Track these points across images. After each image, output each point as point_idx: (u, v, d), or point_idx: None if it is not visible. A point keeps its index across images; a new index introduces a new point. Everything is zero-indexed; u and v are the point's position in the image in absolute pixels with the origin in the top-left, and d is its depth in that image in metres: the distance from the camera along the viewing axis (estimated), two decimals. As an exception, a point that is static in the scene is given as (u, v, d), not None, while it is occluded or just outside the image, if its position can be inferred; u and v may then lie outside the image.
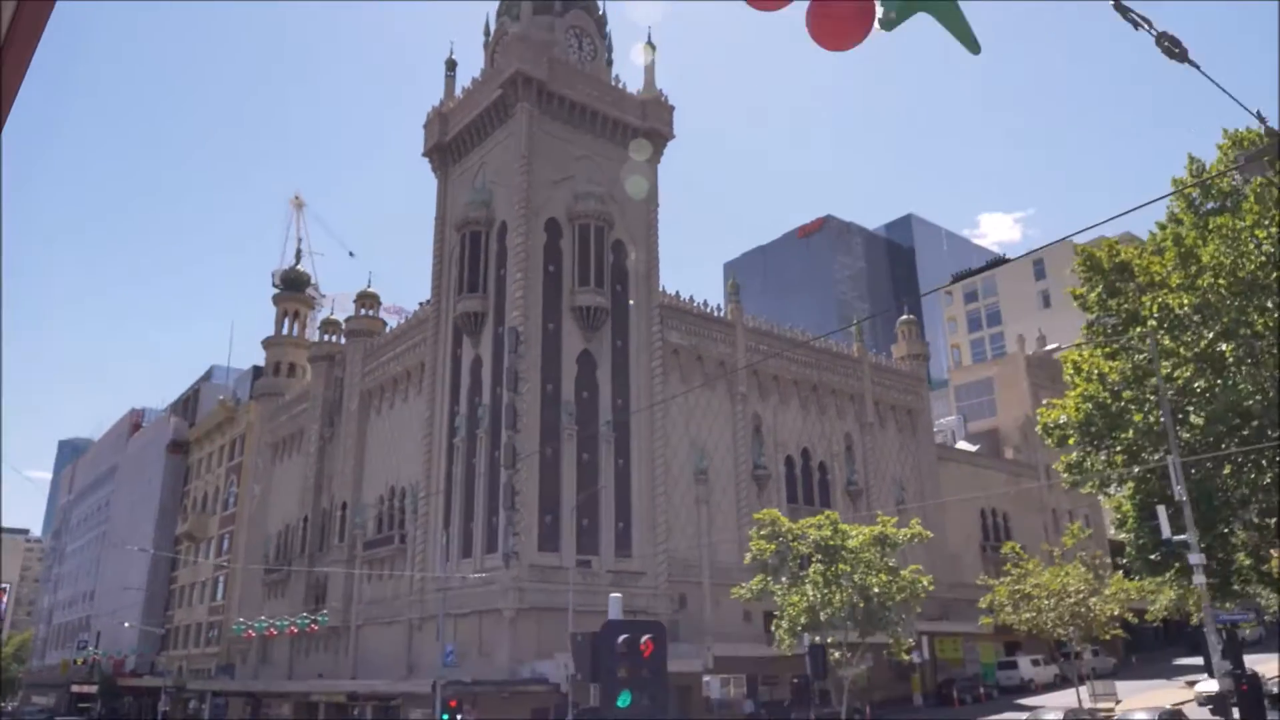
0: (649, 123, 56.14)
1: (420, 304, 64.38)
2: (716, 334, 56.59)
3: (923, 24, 3.76)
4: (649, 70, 58.39)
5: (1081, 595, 40.93)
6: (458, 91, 58.96)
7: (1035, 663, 57.85)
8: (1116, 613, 41.61)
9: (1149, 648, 75.08)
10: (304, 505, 63.83)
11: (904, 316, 71.48)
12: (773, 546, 36.07)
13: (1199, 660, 59.08)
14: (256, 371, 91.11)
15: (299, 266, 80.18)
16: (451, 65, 60.02)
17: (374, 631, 53.41)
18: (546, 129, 52.01)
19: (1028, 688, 55.92)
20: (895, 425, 66.29)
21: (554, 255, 50.54)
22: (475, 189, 53.57)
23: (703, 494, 52.51)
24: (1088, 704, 40.97)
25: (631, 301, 52.41)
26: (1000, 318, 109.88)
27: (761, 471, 55.51)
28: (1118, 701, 42.02)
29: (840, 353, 63.71)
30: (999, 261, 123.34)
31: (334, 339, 67.63)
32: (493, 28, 59.00)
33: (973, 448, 75.74)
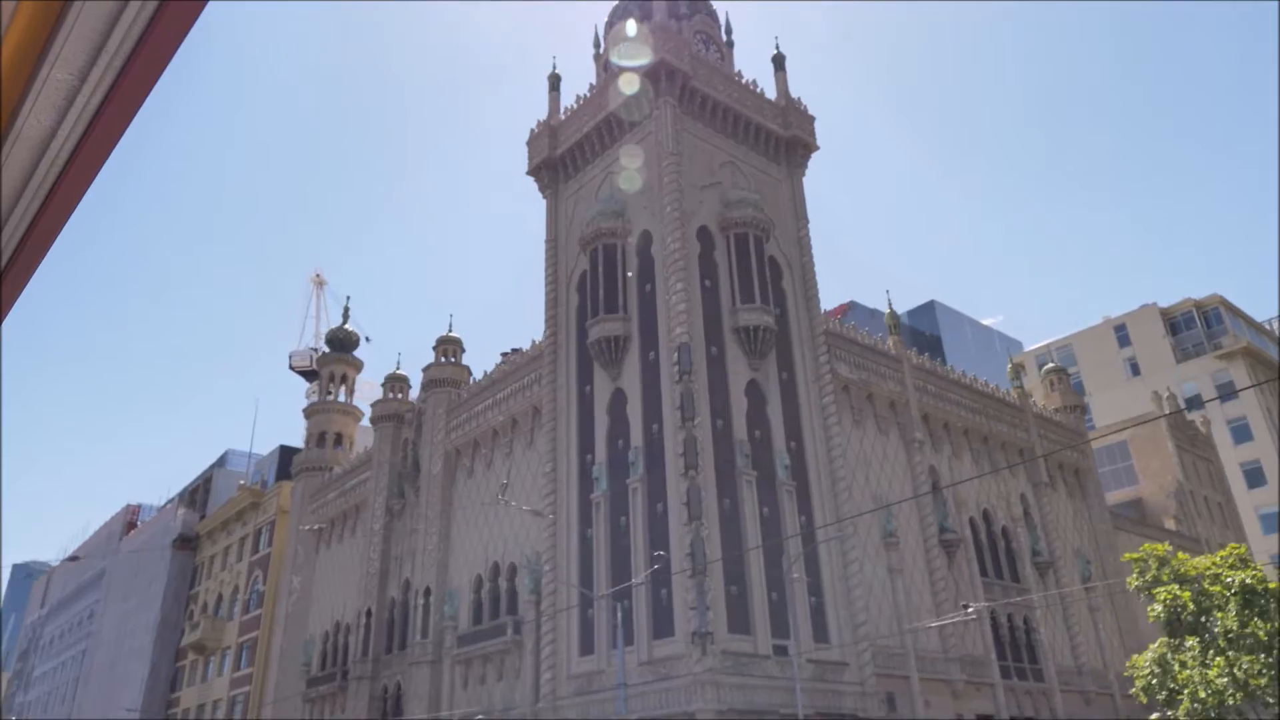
0: (791, 130, 48.47)
1: (503, 355, 55.16)
2: (885, 369, 47.46)
3: None
4: (780, 78, 51.11)
5: None
6: (563, 107, 51.25)
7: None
8: None
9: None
10: (365, 596, 52.33)
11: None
12: (1186, 595, 26.09)
13: None
14: (284, 451, 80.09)
15: (347, 326, 70.42)
16: (555, 81, 52.47)
17: (478, 752, 41.55)
18: (688, 129, 44.02)
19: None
20: (1064, 487, 56.67)
21: (709, 269, 41.69)
22: (602, 199, 45.00)
23: (894, 562, 42.25)
24: None
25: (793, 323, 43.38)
26: (1083, 388, 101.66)
27: (950, 535, 45.41)
28: None
29: (1005, 399, 54.57)
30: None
31: (399, 396, 57.57)
32: (602, 39, 52.07)
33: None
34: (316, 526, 60.53)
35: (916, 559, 43.77)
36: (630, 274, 42.27)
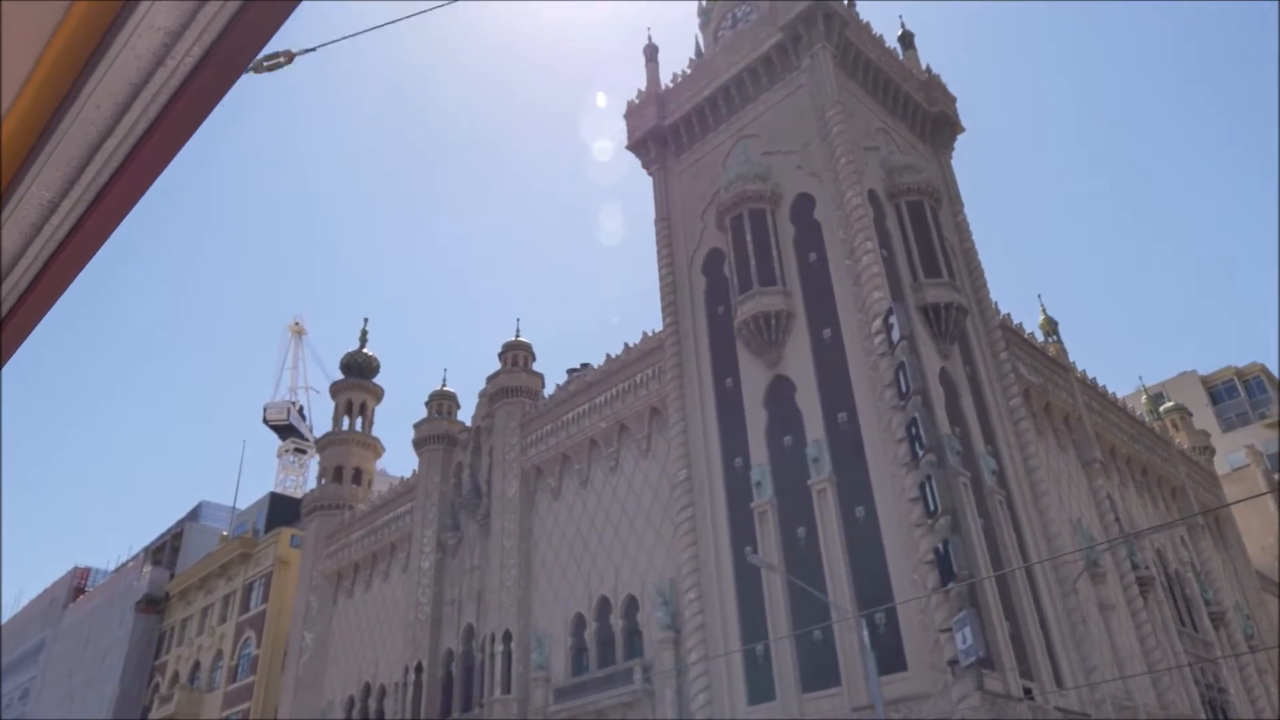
0: (937, 107, 42.99)
1: (569, 371, 47.56)
2: (1057, 378, 40.94)
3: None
4: (910, 57, 45.96)
5: None
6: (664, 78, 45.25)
7: None
8: None
9: None
10: (413, 649, 42.65)
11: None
12: None
13: None
14: (275, 499, 70.14)
15: (366, 350, 61.63)
16: (652, 51, 46.65)
17: (592, 841, 32.06)
18: (843, 84, 38.05)
19: None
20: (1210, 535, 50.10)
21: (882, 238, 35.02)
22: (737, 163, 38.40)
23: (1105, 597, 34.75)
24: None
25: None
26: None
27: (1144, 573, 38.18)
28: None
29: (1157, 432, 48.30)
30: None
31: (447, 415, 49.07)
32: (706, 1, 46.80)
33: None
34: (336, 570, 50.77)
35: (1118, 596, 36.37)
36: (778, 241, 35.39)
